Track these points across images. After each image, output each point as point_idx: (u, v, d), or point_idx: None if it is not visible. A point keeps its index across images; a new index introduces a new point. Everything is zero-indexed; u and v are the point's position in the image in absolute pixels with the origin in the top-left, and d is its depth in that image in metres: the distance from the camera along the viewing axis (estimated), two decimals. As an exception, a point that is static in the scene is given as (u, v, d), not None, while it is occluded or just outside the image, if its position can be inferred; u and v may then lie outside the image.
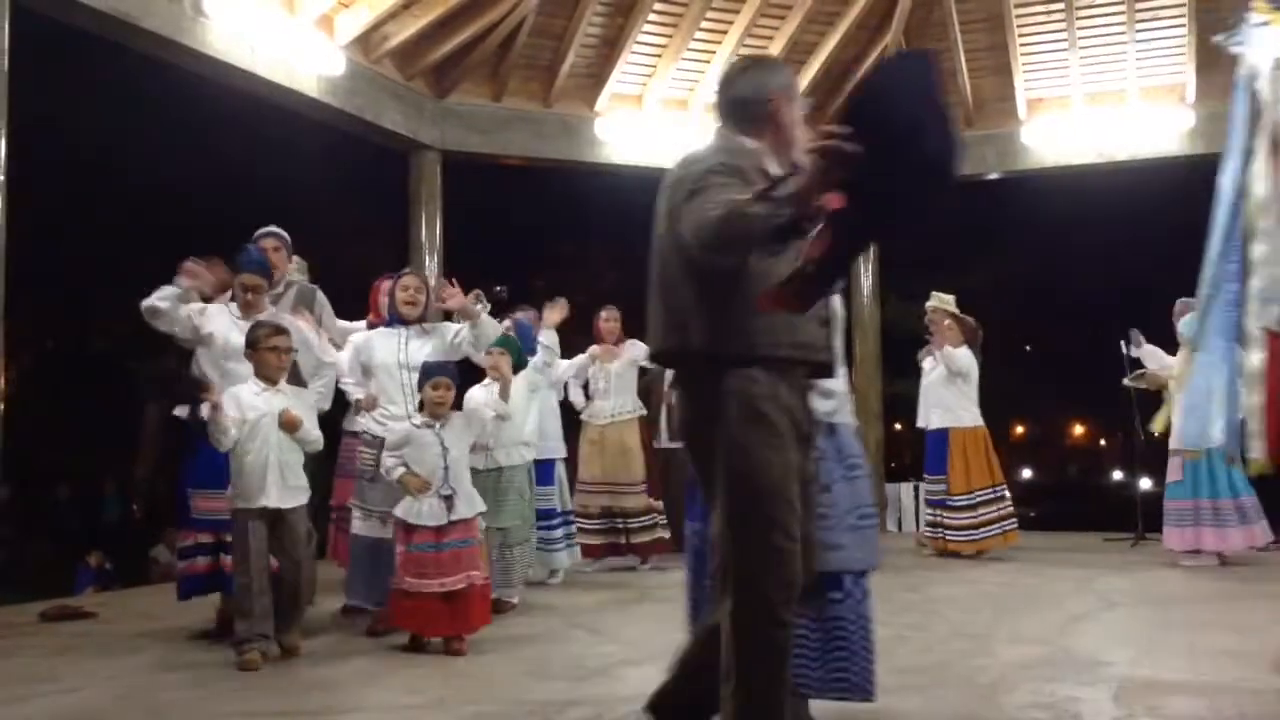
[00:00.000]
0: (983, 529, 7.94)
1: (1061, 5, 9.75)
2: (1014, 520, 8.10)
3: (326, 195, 18.68)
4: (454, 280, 5.55)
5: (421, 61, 9.22)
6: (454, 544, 4.73)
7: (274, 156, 17.38)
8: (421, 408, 4.91)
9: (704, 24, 9.88)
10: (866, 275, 11.00)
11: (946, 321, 8.14)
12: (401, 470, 4.78)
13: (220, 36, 7.27)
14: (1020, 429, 34.41)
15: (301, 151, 16.71)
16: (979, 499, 7.96)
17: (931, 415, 8.24)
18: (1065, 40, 9.95)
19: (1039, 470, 35.94)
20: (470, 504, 4.85)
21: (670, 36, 9.92)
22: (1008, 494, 8.10)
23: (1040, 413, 34.77)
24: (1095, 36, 9.93)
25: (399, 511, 4.78)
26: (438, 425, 4.84)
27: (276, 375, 4.73)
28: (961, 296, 8.50)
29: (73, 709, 3.88)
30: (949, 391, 8.10)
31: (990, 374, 8.52)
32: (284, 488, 4.65)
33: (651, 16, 9.74)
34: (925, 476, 8.36)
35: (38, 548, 17.13)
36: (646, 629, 5.30)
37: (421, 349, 5.34)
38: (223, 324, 5.09)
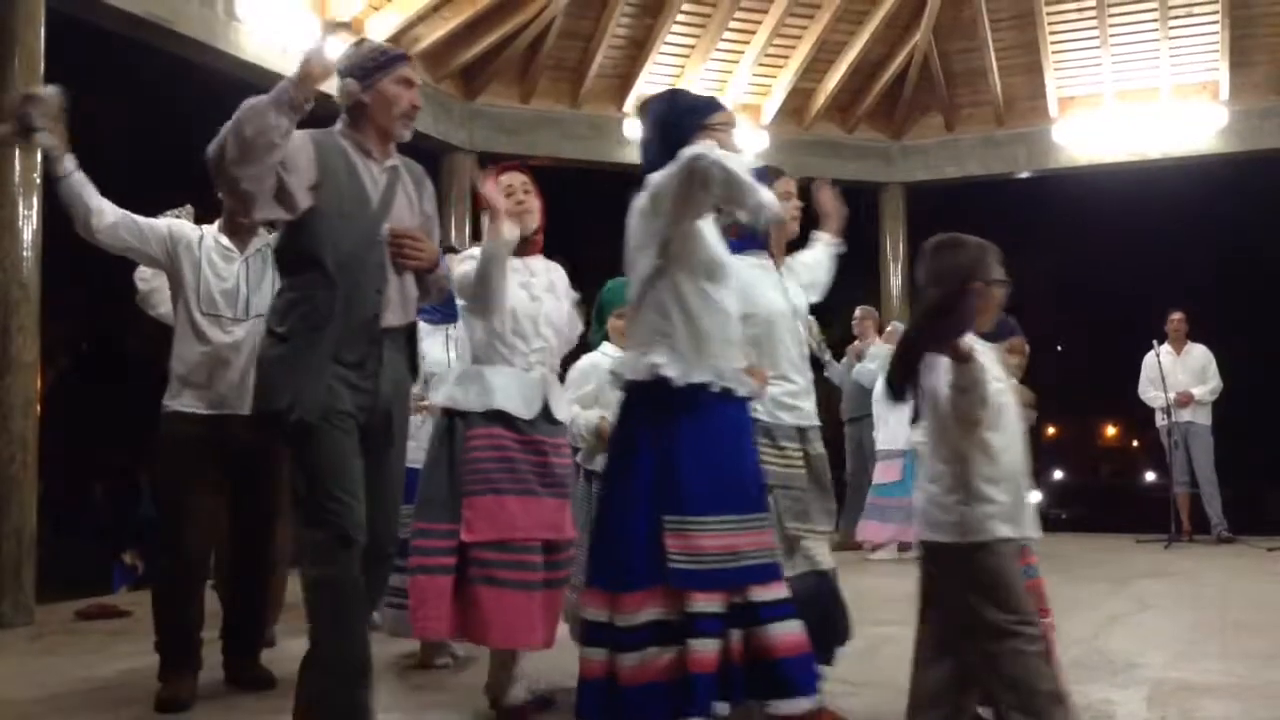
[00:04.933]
0: None
1: (1093, 1, 9.68)
2: None
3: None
4: None
5: (451, 63, 9.28)
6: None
7: (304, 159, 17.51)
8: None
9: (732, 24, 9.89)
10: (895, 274, 10.95)
11: None
12: None
13: (252, 40, 7.35)
14: (1051, 429, 34.13)
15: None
16: None
17: None
18: (1097, 37, 9.88)
19: (1071, 471, 35.64)
20: None
21: (698, 37, 9.93)
22: None
23: (1071, 413, 34.51)
24: (1127, 33, 9.86)
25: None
26: None
27: None
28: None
29: (107, 706, 3.92)
30: None
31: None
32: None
33: (680, 17, 9.75)
34: None
35: (74, 547, 17.33)
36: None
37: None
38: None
